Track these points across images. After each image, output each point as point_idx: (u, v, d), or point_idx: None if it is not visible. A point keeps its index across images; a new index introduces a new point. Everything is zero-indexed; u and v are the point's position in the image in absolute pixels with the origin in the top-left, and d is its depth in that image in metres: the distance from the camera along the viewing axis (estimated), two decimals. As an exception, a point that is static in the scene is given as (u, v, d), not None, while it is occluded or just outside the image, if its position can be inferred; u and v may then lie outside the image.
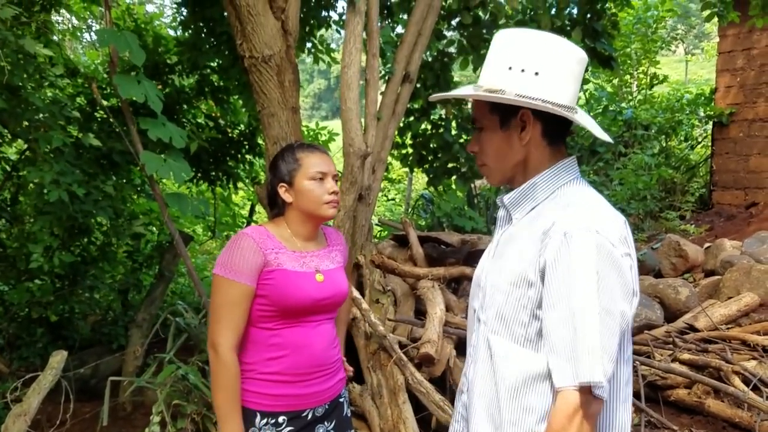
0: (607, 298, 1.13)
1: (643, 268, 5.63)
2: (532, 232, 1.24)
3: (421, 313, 3.29)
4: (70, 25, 6.15)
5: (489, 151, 1.34)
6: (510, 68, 1.25)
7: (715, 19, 5.61)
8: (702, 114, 9.28)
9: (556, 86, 1.24)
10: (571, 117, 1.25)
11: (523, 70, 1.23)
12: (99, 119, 4.41)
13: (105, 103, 4.31)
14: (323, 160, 1.77)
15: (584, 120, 1.29)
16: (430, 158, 5.66)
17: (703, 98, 9.48)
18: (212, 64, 5.03)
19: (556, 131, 1.29)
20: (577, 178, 1.31)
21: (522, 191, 1.31)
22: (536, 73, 1.23)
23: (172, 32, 5.41)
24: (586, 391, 1.11)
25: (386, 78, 3.88)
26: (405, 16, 4.86)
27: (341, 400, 1.88)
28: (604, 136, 1.31)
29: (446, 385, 2.96)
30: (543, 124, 1.27)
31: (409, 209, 9.41)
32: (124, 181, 4.75)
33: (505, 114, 1.28)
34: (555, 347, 1.15)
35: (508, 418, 1.24)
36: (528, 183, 1.31)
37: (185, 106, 5.09)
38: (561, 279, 1.16)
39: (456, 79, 5.92)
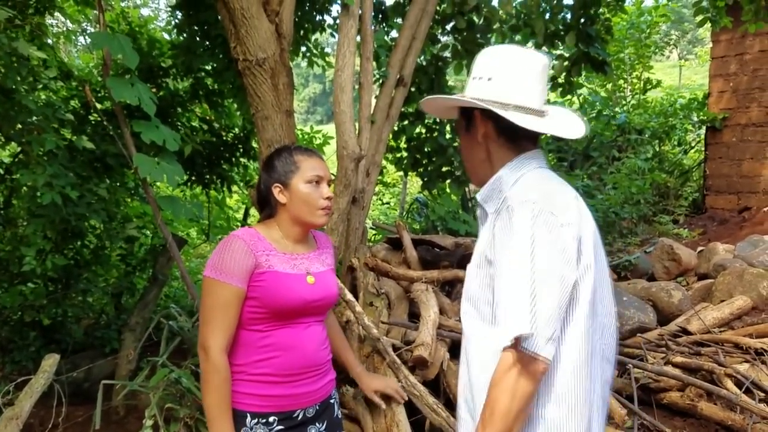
0: (543, 262, 1.17)
1: (637, 272, 5.65)
2: (492, 215, 1.35)
3: (414, 316, 3.29)
4: (64, 28, 6.13)
5: (463, 153, 1.51)
6: (473, 78, 1.41)
7: (708, 25, 5.64)
8: (695, 119, 9.32)
9: (506, 88, 1.35)
10: (502, 113, 1.31)
11: (480, 78, 1.39)
12: (92, 122, 4.40)
13: (99, 106, 4.30)
14: (320, 164, 1.78)
15: (532, 121, 1.33)
16: (424, 162, 5.68)
17: (696, 103, 9.52)
18: (206, 67, 5.03)
19: (513, 129, 1.34)
20: (542, 167, 1.39)
21: (491, 185, 1.40)
22: (489, 79, 1.37)
23: (166, 35, 5.41)
24: (521, 348, 1.15)
25: (380, 81, 3.89)
26: (399, 20, 4.87)
27: (332, 401, 1.88)
28: (571, 134, 1.36)
29: (440, 388, 2.96)
30: (494, 123, 1.37)
31: (404, 213, 9.41)
32: (118, 184, 4.74)
33: (468, 118, 1.43)
34: (499, 312, 1.21)
35: (479, 399, 1.27)
36: (494, 176, 1.39)
37: (179, 110, 5.08)
38: (502, 249, 1.23)
39: (450, 83, 5.93)
